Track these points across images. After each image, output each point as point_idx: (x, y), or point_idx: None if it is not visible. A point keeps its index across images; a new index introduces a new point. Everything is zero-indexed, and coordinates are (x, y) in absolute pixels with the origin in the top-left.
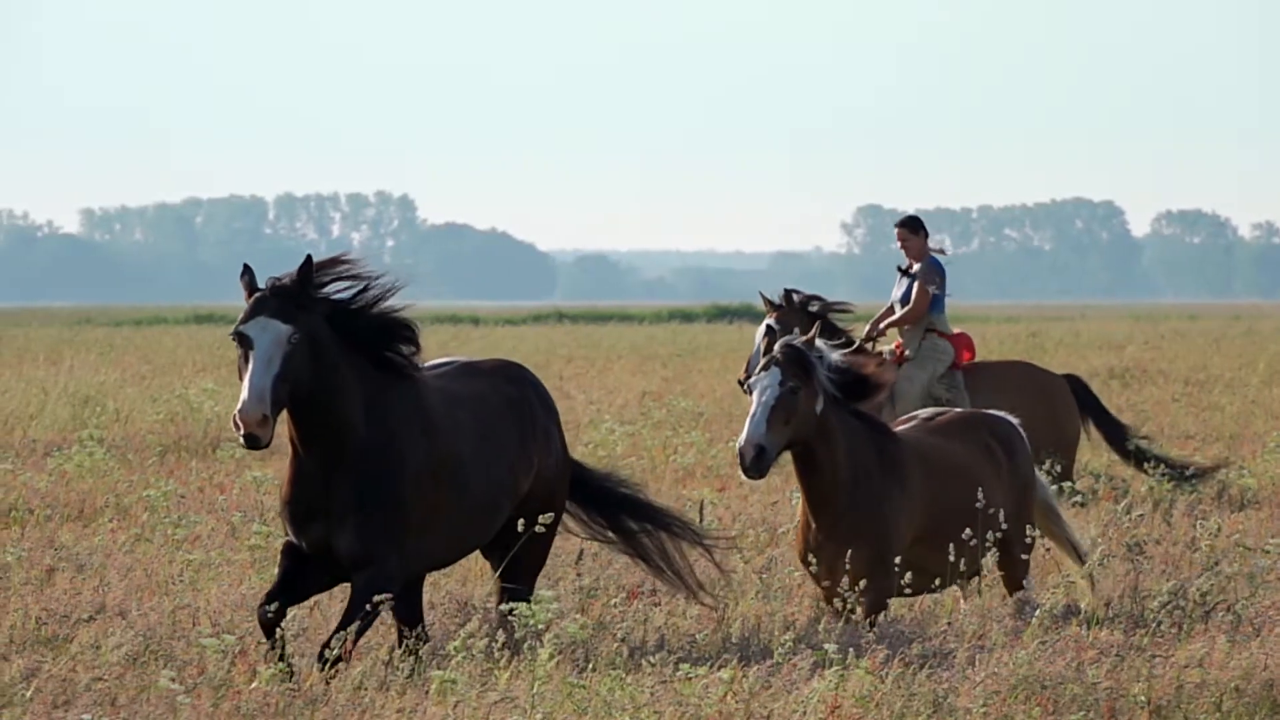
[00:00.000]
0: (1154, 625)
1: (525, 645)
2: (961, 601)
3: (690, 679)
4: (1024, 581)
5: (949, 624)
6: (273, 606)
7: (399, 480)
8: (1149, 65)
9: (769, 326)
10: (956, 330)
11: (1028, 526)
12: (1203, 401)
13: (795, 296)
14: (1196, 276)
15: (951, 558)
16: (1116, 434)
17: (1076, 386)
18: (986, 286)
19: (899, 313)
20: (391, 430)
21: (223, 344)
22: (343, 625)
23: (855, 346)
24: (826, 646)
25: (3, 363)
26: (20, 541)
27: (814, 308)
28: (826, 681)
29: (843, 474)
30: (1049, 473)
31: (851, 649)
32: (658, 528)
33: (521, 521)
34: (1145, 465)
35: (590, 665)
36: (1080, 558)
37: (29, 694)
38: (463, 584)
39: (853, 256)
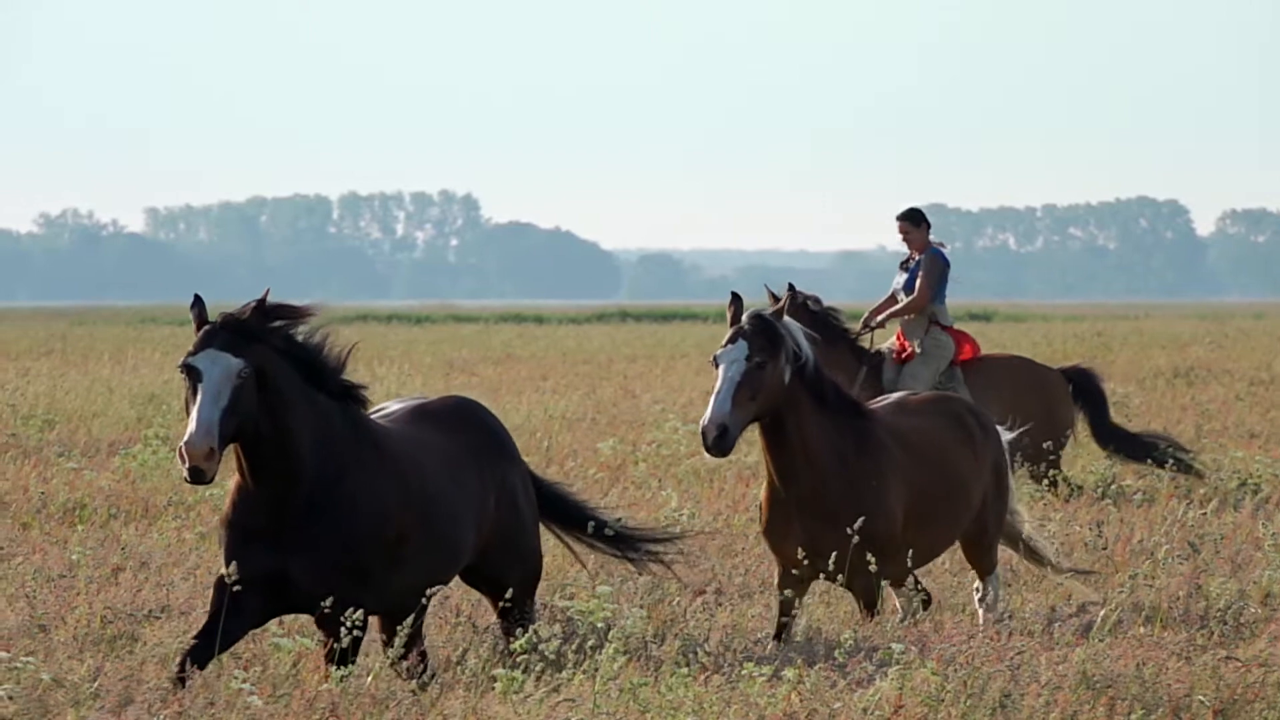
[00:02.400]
0: (1218, 625)
1: (588, 644)
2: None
3: (754, 678)
4: (993, 579)
5: (1009, 615)
6: (191, 667)
7: (356, 519)
8: (1215, 63)
9: None
10: (957, 327)
11: (1007, 514)
12: (1267, 400)
13: (799, 295)
14: (1261, 275)
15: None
16: (1104, 428)
17: (1078, 376)
18: (1051, 286)
19: (898, 304)
20: (346, 466)
21: None
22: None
23: (853, 339)
24: (893, 646)
25: (68, 361)
26: (85, 540)
27: (813, 308)
28: (890, 680)
29: (813, 445)
30: (1041, 470)
31: (916, 647)
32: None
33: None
34: (1141, 458)
35: (654, 664)
36: (1039, 559)
37: (95, 693)
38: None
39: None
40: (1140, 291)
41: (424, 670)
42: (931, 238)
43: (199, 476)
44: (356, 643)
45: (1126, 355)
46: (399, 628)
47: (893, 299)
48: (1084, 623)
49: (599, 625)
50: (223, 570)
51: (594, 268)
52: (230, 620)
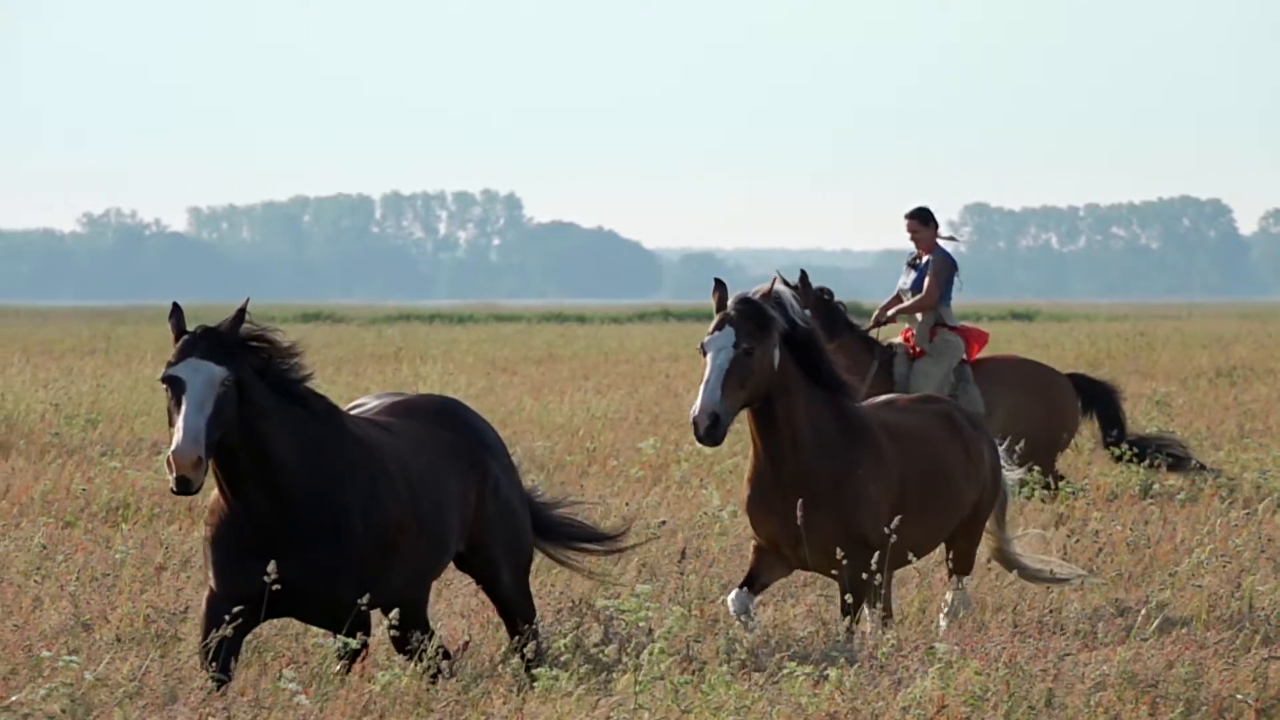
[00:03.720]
0: (1261, 625)
1: (631, 644)
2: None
3: (796, 677)
4: (963, 581)
5: (1051, 611)
6: (223, 674)
7: (352, 527)
8: (1260, 63)
9: None
10: (966, 325)
11: (994, 518)
12: None
13: (812, 284)
14: None
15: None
16: (1115, 431)
17: (1084, 383)
18: (1093, 285)
19: (905, 302)
20: (335, 474)
21: (330, 342)
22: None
23: (862, 333)
24: (936, 645)
25: (111, 361)
26: (128, 539)
27: (827, 297)
28: (931, 679)
29: (800, 428)
30: (1035, 470)
31: (959, 647)
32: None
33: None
34: (1147, 459)
35: (696, 664)
36: (1007, 562)
37: (138, 692)
38: (569, 584)
39: (959, 254)
40: (1183, 291)
41: (447, 661)
42: (939, 238)
43: (186, 486)
44: (364, 644)
45: (1169, 355)
46: (391, 620)
47: (898, 298)
48: (1127, 623)
49: (640, 624)
50: (211, 586)
51: (636, 267)
52: (228, 637)
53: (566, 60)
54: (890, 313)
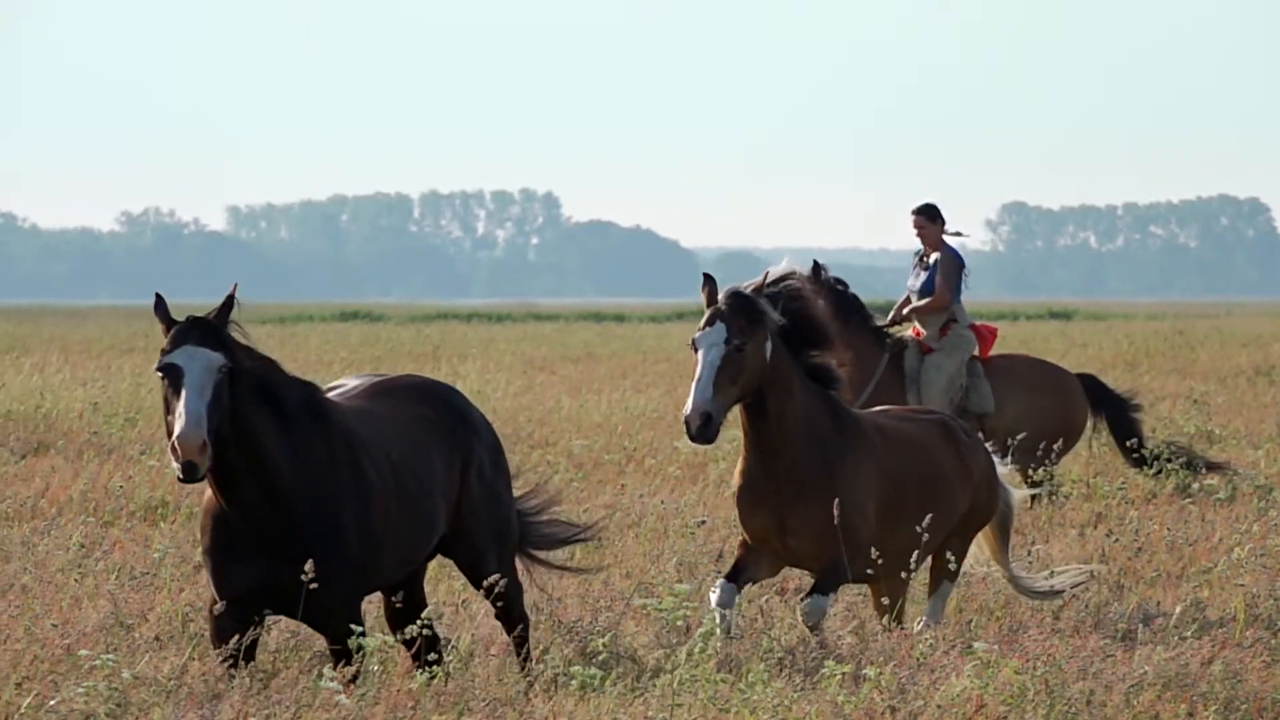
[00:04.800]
0: None
1: (669, 643)
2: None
3: (834, 677)
4: (944, 588)
5: (1087, 609)
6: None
7: (339, 513)
8: None
9: None
10: (976, 323)
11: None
12: None
13: (823, 272)
14: None
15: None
16: (1128, 432)
17: (1091, 384)
18: (1131, 284)
19: (917, 303)
20: (323, 471)
21: (368, 341)
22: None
23: (874, 327)
24: (975, 645)
25: (149, 360)
26: (166, 538)
27: (841, 288)
28: (968, 677)
29: (791, 422)
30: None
31: (997, 646)
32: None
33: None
34: (1158, 463)
35: (734, 663)
36: (1003, 561)
37: (179, 691)
38: (606, 584)
39: (997, 254)
40: (1221, 289)
41: (437, 645)
42: (946, 234)
43: (192, 472)
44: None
45: (1208, 353)
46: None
47: (909, 299)
48: (1165, 623)
49: (679, 623)
50: (212, 594)
51: (674, 266)
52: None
53: (605, 60)
54: (905, 312)
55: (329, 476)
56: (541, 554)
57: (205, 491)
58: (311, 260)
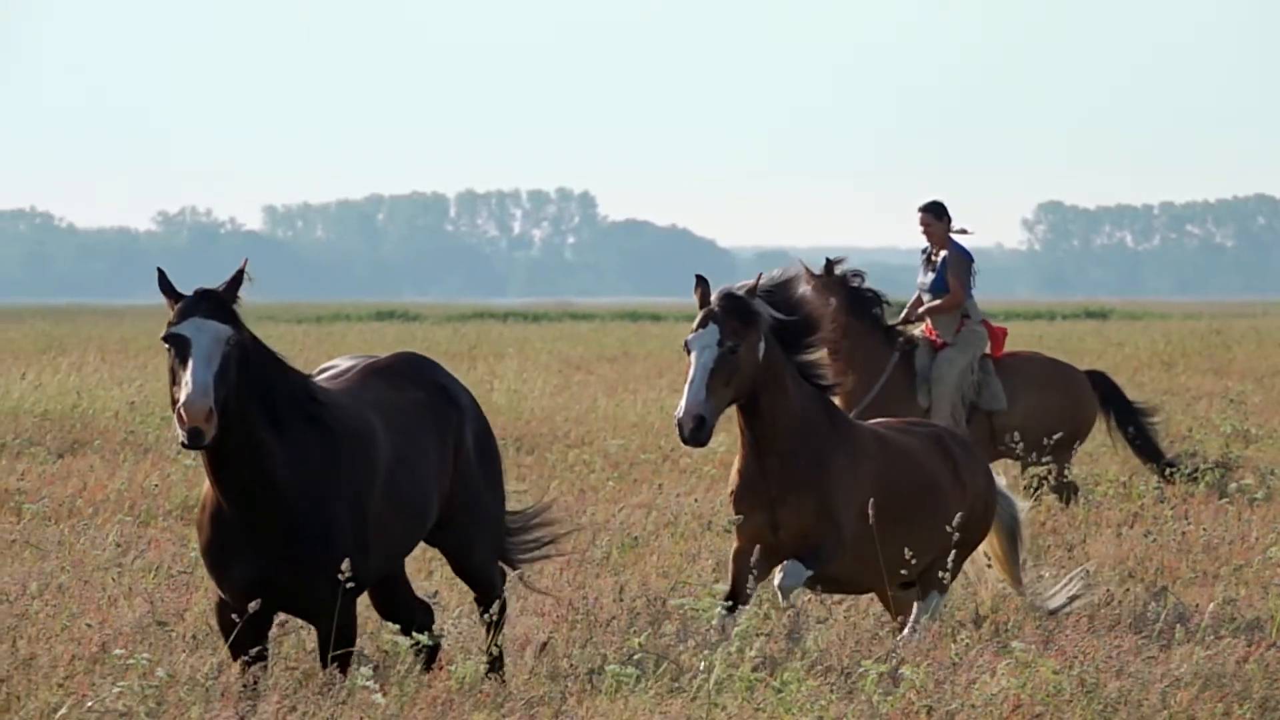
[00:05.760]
0: None
1: (705, 642)
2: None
3: (870, 676)
4: (932, 599)
5: (1117, 606)
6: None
7: (327, 505)
8: None
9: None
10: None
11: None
12: None
13: (837, 268)
14: None
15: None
16: (1139, 434)
17: (1099, 380)
18: (1168, 283)
19: (930, 302)
20: (316, 458)
21: (404, 340)
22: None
23: (885, 325)
24: (1014, 645)
25: None
26: None
27: (855, 283)
28: (1006, 678)
29: (784, 421)
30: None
31: (1034, 646)
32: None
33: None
34: (1165, 465)
35: (769, 662)
36: (1014, 579)
37: (217, 690)
38: (643, 583)
39: (1033, 253)
40: (1258, 289)
41: (431, 624)
42: (952, 232)
43: (198, 439)
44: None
45: (1244, 353)
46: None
47: (919, 298)
48: (1201, 622)
49: (714, 623)
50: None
51: (710, 265)
52: (247, 642)
53: (641, 60)
54: (919, 311)
55: (324, 470)
56: (523, 557)
57: (202, 491)
58: (348, 260)
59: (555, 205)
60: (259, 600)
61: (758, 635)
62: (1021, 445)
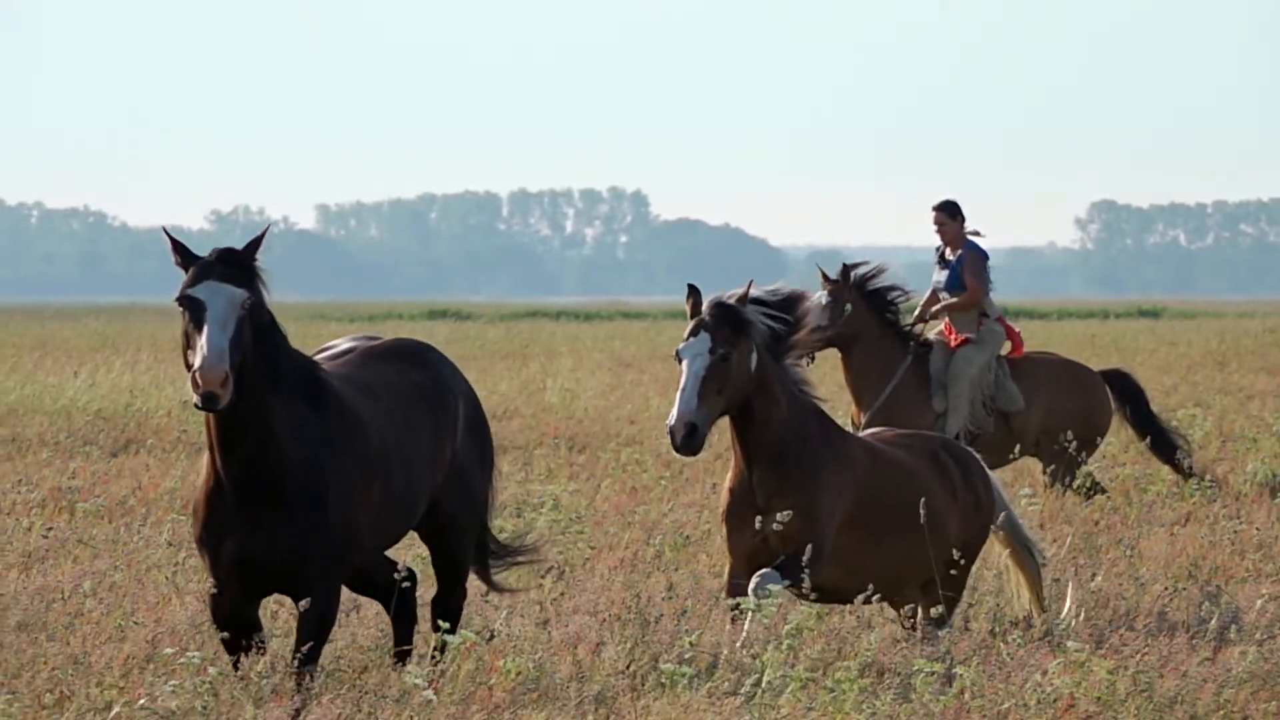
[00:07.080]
0: None
1: (759, 640)
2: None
3: (922, 675)
4: (946, 620)
5: (1166, 606)
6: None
7: (325, 486)
8: None
9: (821, 301)
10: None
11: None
12: None
13: (853, 273)
14: None
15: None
16: (1153, 431)
17: (1117, 379)
18: (1221, 282)
19: (946, 300)
20: (316, 439)
21: (456, 339)
22: (308, 660)
23: (905, 330)
24: (1069, 644)
25: None
26: None
27: (871, 285)
28: (1059, 677)
29: (775, 428)
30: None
31: (1087, 646)
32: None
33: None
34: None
35: (820, 662)
36: (1040, 603)
37: (269, 688)
38: (696, 582)
39: (1086, 252)
40: None
41: (412, 605)
42: (966, 233)
43: (213, 402)
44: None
45: None
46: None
47: (934, 297)
48: (1255, 621)
49: (765, 621)
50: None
51: (763, 265)
52: (236, 627)
53: (692, 58)
54: (934, 309)
55: (325, 449)
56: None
57: (196, 483)
58: (400, 258)
59: (608, 204)
60: (257, 585)
61: (809, 633)
62: (1043, 447)
